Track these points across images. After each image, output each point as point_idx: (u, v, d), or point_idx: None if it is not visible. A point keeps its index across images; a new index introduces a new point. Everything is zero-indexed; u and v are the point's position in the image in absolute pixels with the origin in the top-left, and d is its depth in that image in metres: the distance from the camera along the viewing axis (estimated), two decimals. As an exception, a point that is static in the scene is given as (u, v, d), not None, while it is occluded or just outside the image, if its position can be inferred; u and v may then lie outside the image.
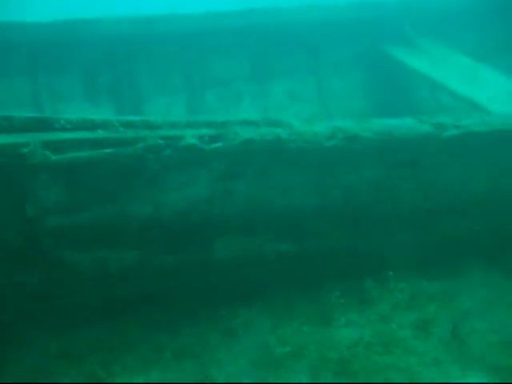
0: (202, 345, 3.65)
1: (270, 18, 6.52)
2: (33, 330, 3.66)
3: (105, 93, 6.19)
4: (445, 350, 3.61)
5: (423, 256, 4.19)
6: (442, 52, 6.54)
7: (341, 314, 3.79)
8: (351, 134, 3.69)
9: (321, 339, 3.63)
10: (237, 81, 6.73)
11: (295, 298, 3.97)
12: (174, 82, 6.50)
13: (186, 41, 6.38)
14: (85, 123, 3.35)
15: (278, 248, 3.89)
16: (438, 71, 6.16)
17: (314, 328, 3.72)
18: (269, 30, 6.58)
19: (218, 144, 3.47)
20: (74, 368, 3.47)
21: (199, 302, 3.88)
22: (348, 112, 6.74)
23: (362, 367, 3.45)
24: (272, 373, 3.49)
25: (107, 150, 3.29)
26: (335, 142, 3.66)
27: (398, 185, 3.91)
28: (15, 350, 3.55)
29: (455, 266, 4.24)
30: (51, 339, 3.61)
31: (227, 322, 3.81)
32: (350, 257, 4.07)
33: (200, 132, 3.48)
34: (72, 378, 3.41)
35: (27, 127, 3.25)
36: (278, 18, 6.55)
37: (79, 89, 6.13)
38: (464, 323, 3.83)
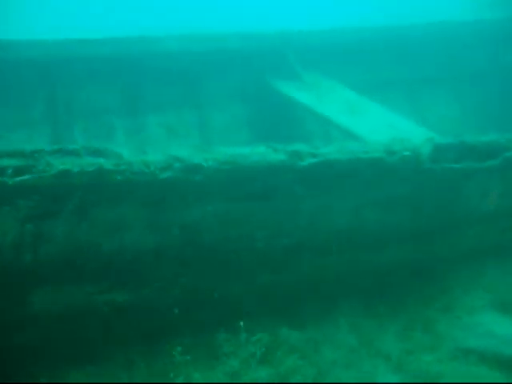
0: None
1: (145, 46, 6.08)
2: None
3: None
4: (301, 410, 3.13)
5: (284, 300, 3.74)
6: (326, 85, 6.35)
7: (182, 373, 3.24)
8: (190, 164, 3.23)
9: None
10: (108, 113, 6.20)
11: (135, 356, 3.39)
12: (35, 114, 5.89)
13: (48, 68, 5.81)
14: None
15: (112, 299, 3.32)
16: (323, 105, 5.94)
17: (149, 390, 3.15)
18: (145, 59, 6.12)
19: (25, 177, 2.92)
20: None
21: (15, 366, 3.21)
22: (231, 146, 6.36)
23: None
24: None
25: None
26: (171, 173, 3.19)
27: (249, 219, 3.46)
28: None
29: (321, 311, 3.81)
30: None
31: None
32: (200, 306, 3.56)
33: (1, 163, 2.91)
34: None
35: None
36: (155, 47, 6.11)
37: None
38: (327, 376, 3.37)
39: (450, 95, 7.12)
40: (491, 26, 7.08)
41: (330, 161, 3.52)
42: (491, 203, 4.16)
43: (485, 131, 4.30)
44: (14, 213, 2.93)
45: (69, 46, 5.71)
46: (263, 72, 6.60)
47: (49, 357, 3.24)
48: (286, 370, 3.30)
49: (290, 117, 6.40)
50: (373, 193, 3.72)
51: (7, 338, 3.20)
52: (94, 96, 6.09)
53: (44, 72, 5.83)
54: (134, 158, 3.17)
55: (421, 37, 6.86)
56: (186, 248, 3.36)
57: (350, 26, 6.92)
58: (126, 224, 3.20)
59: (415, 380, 3.34)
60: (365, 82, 6.64)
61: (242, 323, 3.40)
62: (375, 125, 5.47)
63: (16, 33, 5.85)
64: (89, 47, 5.79)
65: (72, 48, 5.73)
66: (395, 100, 6.75)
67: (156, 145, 6.30)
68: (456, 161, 3.83)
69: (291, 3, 8.84)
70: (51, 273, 3.12)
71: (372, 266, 3.95)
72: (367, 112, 5.79)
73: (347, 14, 7.38)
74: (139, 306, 3.38)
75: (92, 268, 3.21)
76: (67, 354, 3.29)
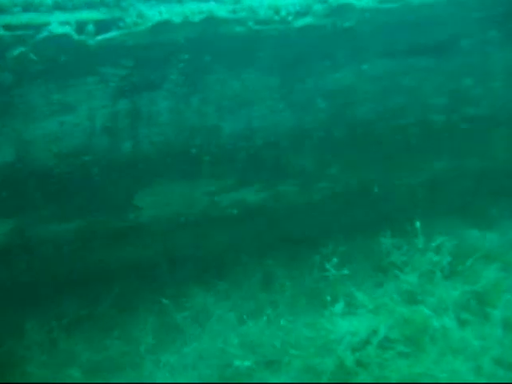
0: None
1: None
2: None
3: None
4: (513, 343, 2.20)
5: (467, 194, 2.75)
6: None
7: (341, 292, 2.39)
8: (338, 4, 2.26)
9: (308, 336, 2.26)
10: None
11: (275, 268, 2.61)
12: None
13: None
14: None
15: (242, 199, 2.52)
16: None
17: (299, 317, 2.36)
18: None
19: (111, 34, 2.11)
20: None
21: (135, 282, 2.57)
22: None
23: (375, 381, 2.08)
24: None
25: None
26: (311, 19, 2.26)
27: (420, 82, 2.47)
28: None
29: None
30: None
31: (170, 314, 2.50)
32: (356, 203, 2.67)
33: (78, 16, 2.12)
34: None
35: None
36: None
37: None
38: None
39: None
40: None
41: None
42: None
43: None
44: (102, 85, 2.15)
45: None
46: None
47: (170, 271, 2.55)
48: (485, 286, 2.35)
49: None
50: None
51: (118, 251, 2.52)
52: None
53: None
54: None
55: None
56: (334, 126, 2.44)
57: None
58: (252, 96, 2.32)
59: None
60: None
61: (418, 223, 2.45)
62: None
63: None
64: None
65: None
66: None
67: None
68: None
69: None
70: (158, 166, 2.35)
71: None
72: None
73: None
74: (276, 205, 2.56)
75: (211, 158, 2.39)
76: (190, 267, 2.58)
